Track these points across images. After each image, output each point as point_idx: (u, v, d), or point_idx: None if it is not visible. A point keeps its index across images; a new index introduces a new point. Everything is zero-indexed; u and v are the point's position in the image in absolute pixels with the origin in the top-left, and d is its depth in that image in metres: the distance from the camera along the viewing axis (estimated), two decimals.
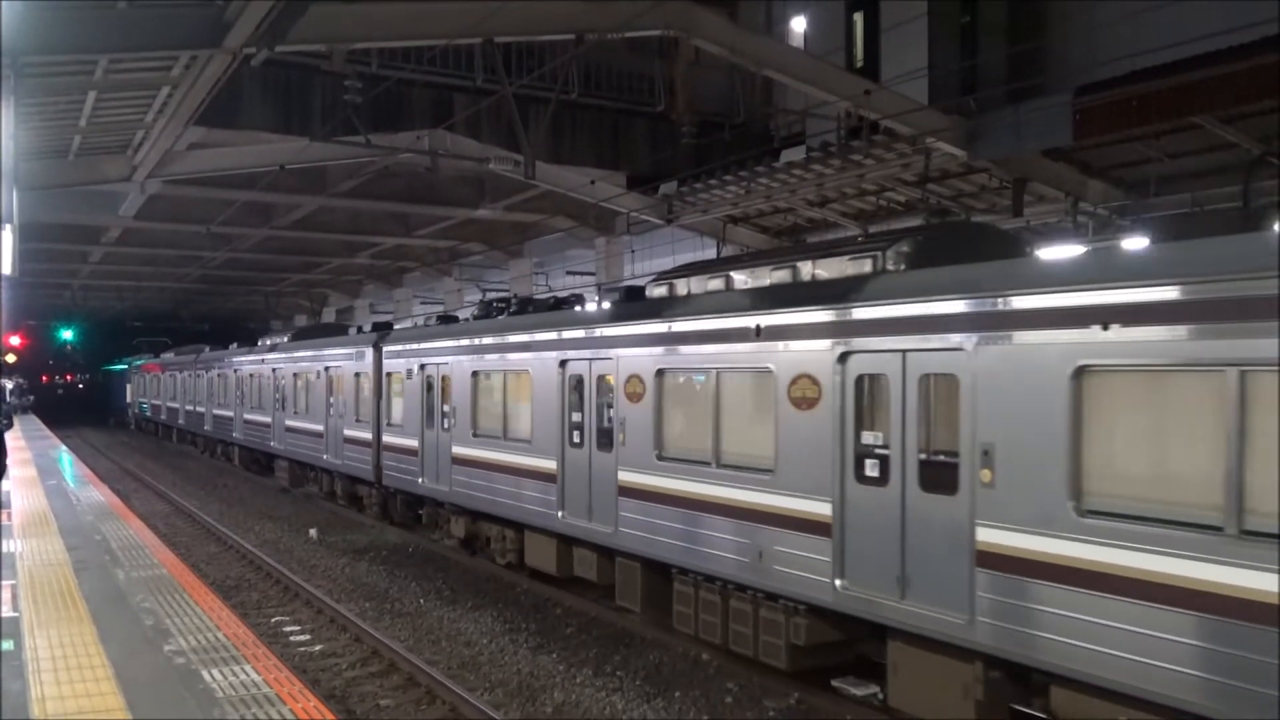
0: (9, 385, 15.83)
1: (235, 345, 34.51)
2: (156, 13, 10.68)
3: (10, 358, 33.96)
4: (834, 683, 10.05)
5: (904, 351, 8.54)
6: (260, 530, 20.60)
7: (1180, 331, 6.53)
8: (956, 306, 8.06)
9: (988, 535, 7.66)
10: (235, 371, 31.82)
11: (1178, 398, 6.79)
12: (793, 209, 19.22)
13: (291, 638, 12.51)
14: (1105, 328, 6.93)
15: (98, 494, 20.36)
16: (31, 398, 17.16)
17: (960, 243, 9.53)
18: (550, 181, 19.72)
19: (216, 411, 34.66)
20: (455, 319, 19.28)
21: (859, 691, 9.83)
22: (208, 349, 38.90)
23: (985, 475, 7.71)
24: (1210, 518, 6.38)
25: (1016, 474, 7.53)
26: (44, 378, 72.55)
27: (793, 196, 18.00)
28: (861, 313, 8.93)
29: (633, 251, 23.93)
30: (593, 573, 13.06)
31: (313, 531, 19.91)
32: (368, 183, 23.39)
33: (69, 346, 68.40)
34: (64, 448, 31.84)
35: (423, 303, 37.54)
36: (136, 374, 54.58)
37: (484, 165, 16.99)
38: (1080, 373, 7.11)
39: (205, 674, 7.89)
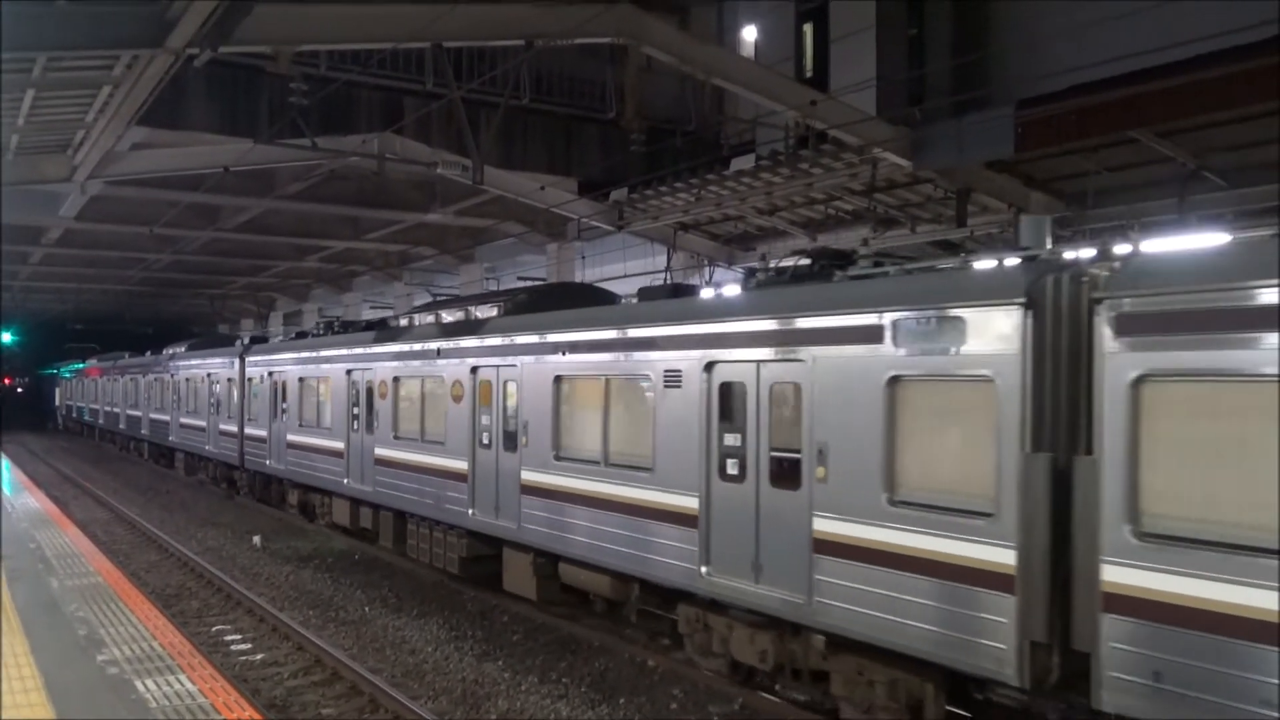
0: None
1: (148, 354, 37.92)
2: (96, 11, 10.48)
3: None
4: (778, 688, 10.25)
5: (498, 367, 13.66)
6: (203, 537, 20.28)
7: (587, 357, 11.90)
8: (516, 340, 13.25)
9: (525, 475, 12.95)
10: (144, 376, 36.61)
11: (590, 393, 11.91)
12: (742, 217, 19.34)
13: (232, 647, 12.32)
14: (564, 354, 12.26)
15: (34, 501, 19.96)
16: None
17: (560, 297, 14.22)
18: (500, 186, 19.64)
19: (129, 412, 39.43)
20: (307, 334, 23.39)
21: (802, 696, 9.97)
22: (127, 356, 42.43)
23: (524, 440, 12.96)
24: (597, 457, 11.62)
25: (535, 438, 12.76)
26: None
27: (742, 204, 18.11)
28: (480, 342, 14.09)
29: (583, 258, 23.94)
30: (371, 524, 17.65)
31: (256, 539, 19.64)
32: (316, 185, 23.13)
33: (7, 350, 66.85)
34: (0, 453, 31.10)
35: (372, 307, 37.21)
36: (64, 379, 60.24)
37: (433, 170, 16.90)
38: (558, 380, 12.35)
39: (139, 684, 7.77)
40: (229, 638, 12.75)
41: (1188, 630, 6.33)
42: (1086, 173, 14.05)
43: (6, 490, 21.81)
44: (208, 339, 34.85)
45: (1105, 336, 6.84)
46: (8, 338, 62.06)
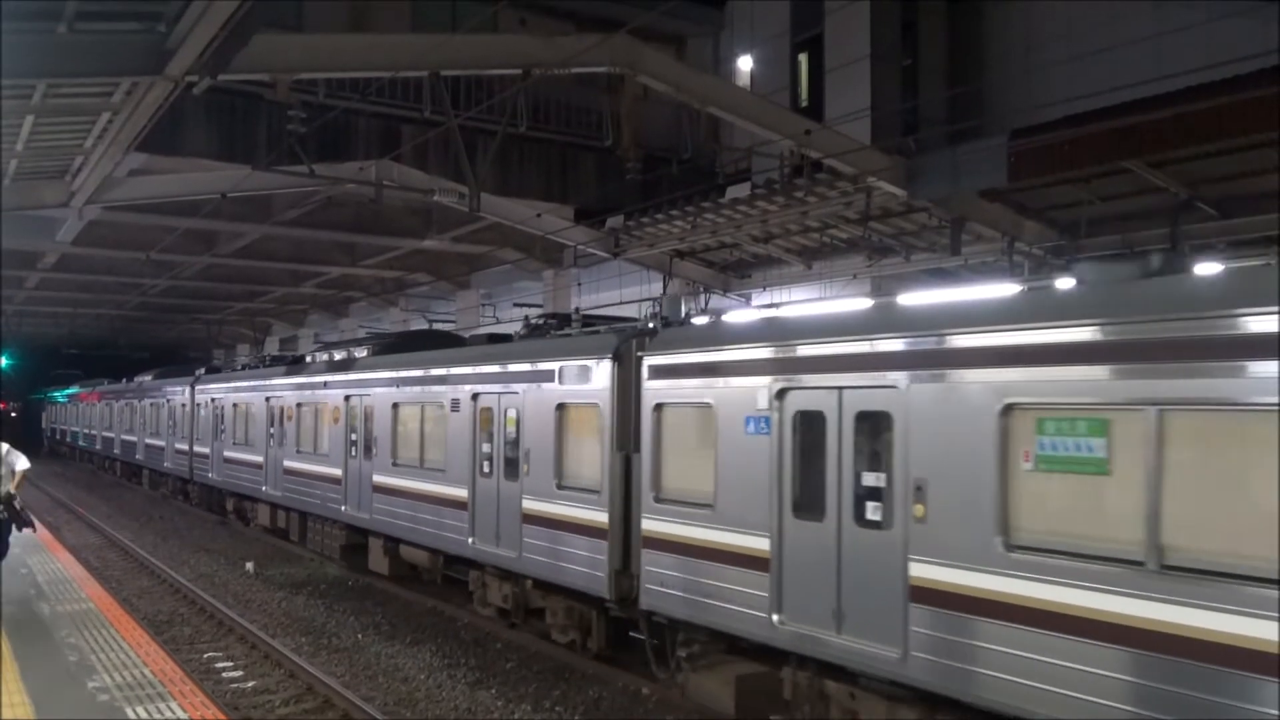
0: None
1: (125, 381, 41.60)
2: (97, 38, 10.51)
3: None
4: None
5: (360, 396, 17.80)
6: (195, 563, 20.18)
7: (411, 389, 16.00)
8: (371, 375, 17.43)
9: (376, 478, 16.97)
10: (116, 402, 40.93)
11: (413, 415, 16.07)
12: (738, 244, 19.40)
13: (224, 674, 12.24)
14: (398, 387, 16.44)
15: None
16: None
17: (416, 341, 18.09)
18: (497, 213, 19.70)
19: (104, 434, 44.02)
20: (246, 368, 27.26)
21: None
22: (106, 383, 46.45)
23: (374, 451, 17.02)
24: (416, 462, 15.70)
25: (381, 449, 16.76)
26: None
27: (738, 232, 18.17)
28: (350, 376, 18.33)
29: (579, 284, 23.95)
30: (286, 523, 21.63)
31: (250, 565, 19.55)
32: (313, 211, 23.18)
33: (2, 374, 66.66)
34: None
35: (368, 333, 37.19)
36: (49, 404, 65.94)
37: (430, 197, 16.96)
38: (395, 406, 16.47)
39: (129, 711, 7.72)
40: (220, 665, 12.67)
41: (672, 554, 10.16)
42: (1080, 202, 14.12)
43: None
44: (169, 369, 37.63)
45: (645, 378, 10.78)
46: (3, 362, 61.83)
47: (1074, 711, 6.56)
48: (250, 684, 11.82)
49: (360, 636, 14.07)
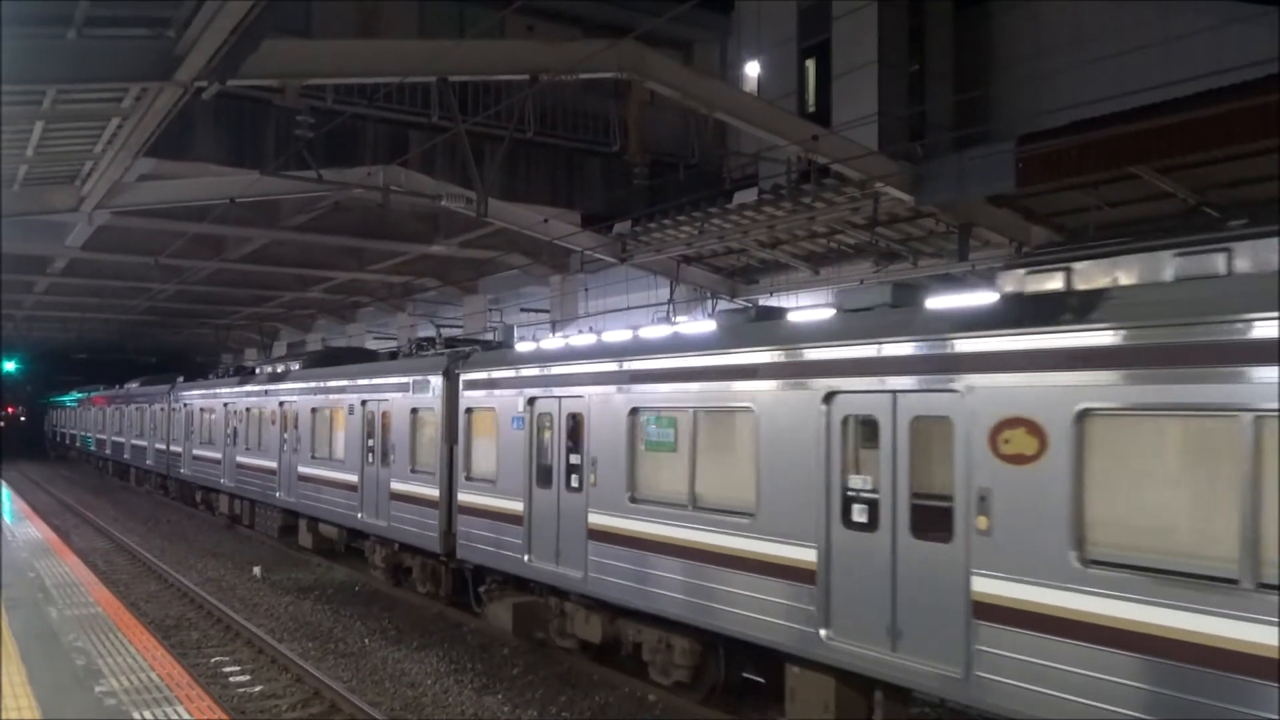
0: None
1: (118, 387, 44.94)
2: (106, 44, 10.55)
3: None
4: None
5: (290, 401, 21.37)
6: (203, 568, 20.21)
7: (324, 396, 19.87)
8: (295, 385, 21.20)
9: (300, 469, 20.52)
10: (108, 407, 45.19)
11: (325, 418, 19.90)
12: (745, 250, 19.40)
13: (231, 678, 12.26)
14: (315, 395, 20.08)
15: (34, 530, 19.90)
16: None
17: (335, 355, 22.29)
18: (504, 219, 19.72)
19: (97, 436, 48.71)
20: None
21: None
22: (101, 388, 49.57)
23: (298, 448, 20.72)
24: (326, 455, 19.57)
25: (304, 445, 20.36)
26: None
27: (745, 237, 18.16)
28: (282, 385, 22.09)
29: (586, 290, 23.97)
30: (240, 510, 25.49)
31: (257, 569, 19.57)
32: (321, 217, 23.23)
33: (11, 379, 66.86)
34: (1, 482, 31.04)
35: (375, 338, 37.25)
36: (50, 409, 70.44)
37: (438, 202, 16.98)
38: (314, 410, 20.17)
39: (136, 715, 7.72)
40: (228, 669, 12.68)
41: (475, 517, 14.00)
42: (1087, 208, 14.08)
43: (7, 518, 21.80)
44: (153, 377, 40.53)
45: (461, 390, 14.59)
46: (11, 366, 61.95)
47: (662, 604, 10.35)
48: (257, 688, 11.84)
49: (367, 641, 14.08)
